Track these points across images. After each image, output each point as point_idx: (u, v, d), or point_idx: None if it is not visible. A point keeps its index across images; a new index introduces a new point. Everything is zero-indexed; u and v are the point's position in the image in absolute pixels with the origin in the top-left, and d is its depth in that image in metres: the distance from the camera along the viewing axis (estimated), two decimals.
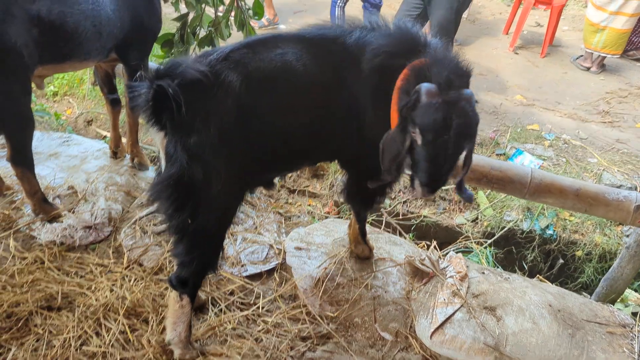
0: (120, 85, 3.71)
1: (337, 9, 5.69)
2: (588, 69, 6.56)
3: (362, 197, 2.43)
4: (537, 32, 7.53)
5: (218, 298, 2.51)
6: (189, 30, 3.19)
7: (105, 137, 4.80)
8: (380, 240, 2.93)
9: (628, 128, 5.50)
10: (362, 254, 2.70)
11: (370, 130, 2.07)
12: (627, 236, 4.16)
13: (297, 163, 2.38)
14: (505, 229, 4.27)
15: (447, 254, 3.89)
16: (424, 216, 4.60)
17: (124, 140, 3.45)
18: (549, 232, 4.27)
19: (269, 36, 2.04)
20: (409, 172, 1.99)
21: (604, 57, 6.45)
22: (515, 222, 4.33)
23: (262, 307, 2.49)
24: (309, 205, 4.77)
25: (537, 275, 3.87)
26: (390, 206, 4.51)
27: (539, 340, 2.38)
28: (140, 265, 2.64)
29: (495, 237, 4.22)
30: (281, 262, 2.76)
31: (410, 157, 1.91)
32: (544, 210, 4.30)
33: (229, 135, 1.84)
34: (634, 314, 2.78)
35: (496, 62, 6.70)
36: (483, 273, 2.83)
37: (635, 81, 6.43)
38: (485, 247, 3.83)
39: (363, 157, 2.21)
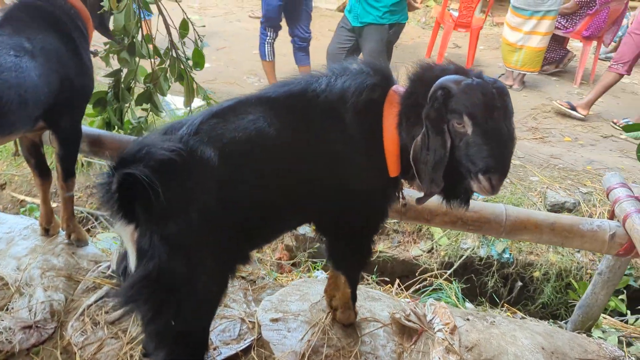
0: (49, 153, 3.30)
1: (266, 45, 5.50)
2: (510, 86, 6.79)
3: (351, 259, 2.24)
4: (457, 54, 7.75)
5: None
6: (123, 87, 2.88)
7: (23, 200, 4.32)
8: (359, 298, 2.73)
9: (557, 142, 5.71)
10: (348, 320, 2.48)
11: (359, 177, 1.94)
12: (578, 251, 4.24)
13: (280, 231, 2.19)
14: (463, 257, 4.24)
15: (421, 293, 3.80)
16: (380, 251, 4.49)
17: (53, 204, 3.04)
18: (506, 256, 4.27)
19: (234, 102, 1.87)
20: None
21: (524, 75, 6.71)
22: (472, 249, 4.30)
23: None
24: (257, 252, 4.51)
25: (504, 304, 3.86)
26: None
27: None
28: None
29: (454, 267, 4.17)
30: (257, 338, 2.49)
31: (456, 159, 1.76)
32: None
33: (211, 217, 1.64)
34: (620, 342, 2.77)
35: None
36: (468, 319, 2.71)
37: (554, 95, 6.74)
38: (452, 282, 3.74)
39: (347, 213, 2.04)
